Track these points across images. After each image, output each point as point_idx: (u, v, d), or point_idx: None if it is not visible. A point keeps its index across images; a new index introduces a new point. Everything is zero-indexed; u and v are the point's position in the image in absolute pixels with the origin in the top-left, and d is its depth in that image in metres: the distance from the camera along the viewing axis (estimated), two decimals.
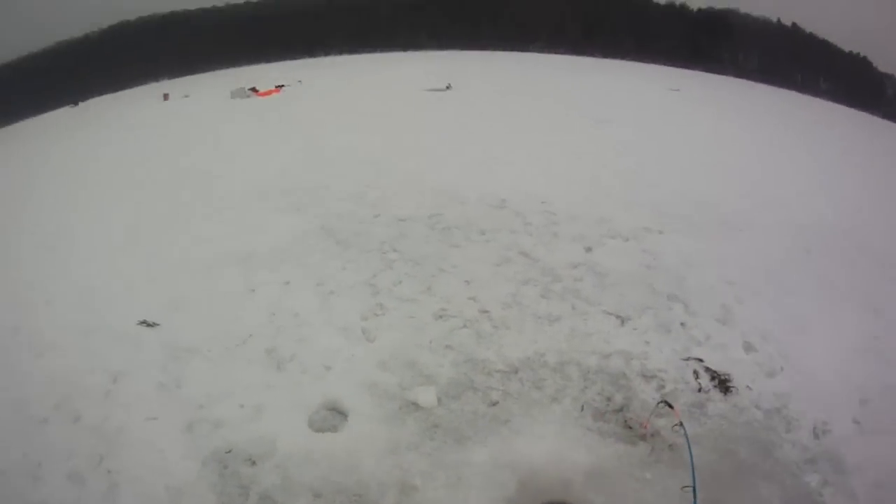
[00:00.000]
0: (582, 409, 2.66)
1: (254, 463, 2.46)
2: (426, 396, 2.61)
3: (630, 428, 2.57)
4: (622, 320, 3.22)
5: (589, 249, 3.94)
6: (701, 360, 2.95)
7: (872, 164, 7.29)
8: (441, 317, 3.06)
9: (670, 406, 2.25)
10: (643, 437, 2.50)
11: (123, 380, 2.90)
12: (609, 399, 2.73)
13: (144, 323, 3.33)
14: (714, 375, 2.86)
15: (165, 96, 19.23)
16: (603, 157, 6.31)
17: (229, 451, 2.50)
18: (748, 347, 3.10)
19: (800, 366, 2.98)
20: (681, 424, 1.93)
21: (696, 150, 7.31)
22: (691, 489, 1.69)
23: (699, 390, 2.76)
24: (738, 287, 3.59)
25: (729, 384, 2.78)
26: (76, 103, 26.29)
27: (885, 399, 2.86)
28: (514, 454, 2.42)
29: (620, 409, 2.67)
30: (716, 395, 2.77)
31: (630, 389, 2.78)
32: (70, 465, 2.47)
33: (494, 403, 2.65)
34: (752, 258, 3.99)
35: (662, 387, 2.79)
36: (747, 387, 2.83)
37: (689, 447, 1.82)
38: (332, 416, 2.67)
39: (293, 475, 2.40)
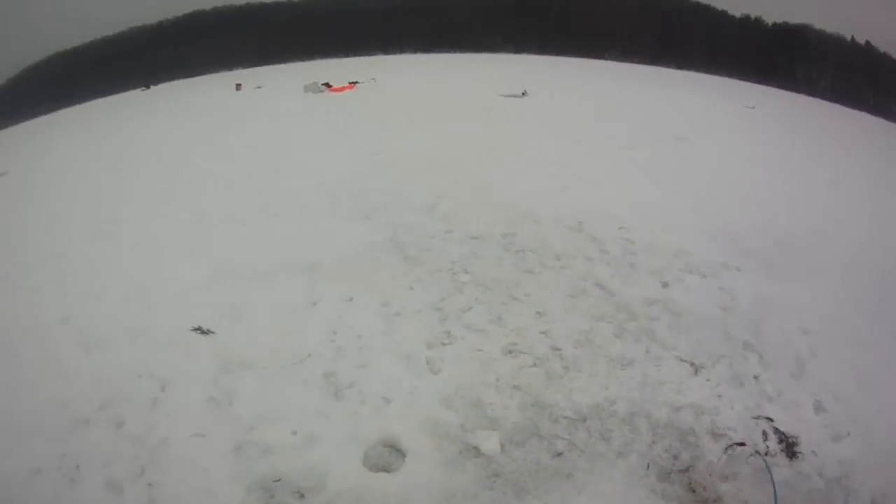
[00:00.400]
0: (648, 467, 2.43)
1: (302, 496, 2.34)
2: (489, 443, 2.42)
3: (693, 491, 2.35)
4: (696, 369, 2.96)
5: (666, 285, 3.67)
6: (771, 420, 2.69)
7: None
8: (510, 352, 2.85)
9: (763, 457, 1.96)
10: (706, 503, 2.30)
11: (172, 388, 2.86)
12: (675, 457, 2.49)
13: (199, 330, 3.28)
14: (782, 438, 2.62)
15: (238, 86, 19.53)
16: (681, 180, 5.90)
17: (277, 480, 2.39)
18: (818, 407, 2.82)
19: (867, 431, 2.72)
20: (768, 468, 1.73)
21: (776, 176, 6.75)
22: None
23: (766, 453, 2.52)
24: (813, 337, 3.29)
25: (796, 448, 2.56)
26: (148, 86, 27.45)
27: None
28: None
29: (686, 470, 2.44)
30: (781, 459, 2.53)
31: (698, 448, 2.54)
32: (109, 472, 2.44)
33: (559, 454, 2.42)
34: (827, 303, 3.68)
35: (731, 447, 2.54)
36: (812, 452, 2.57)
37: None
38: (389, 453, 2.52)
39: None
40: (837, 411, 2.82)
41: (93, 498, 2.33)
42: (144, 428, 2.63)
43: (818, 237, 4.82)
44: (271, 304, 3.54)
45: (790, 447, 2.57)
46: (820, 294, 3.82)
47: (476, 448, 2.42)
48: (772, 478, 1.83)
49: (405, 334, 3.02)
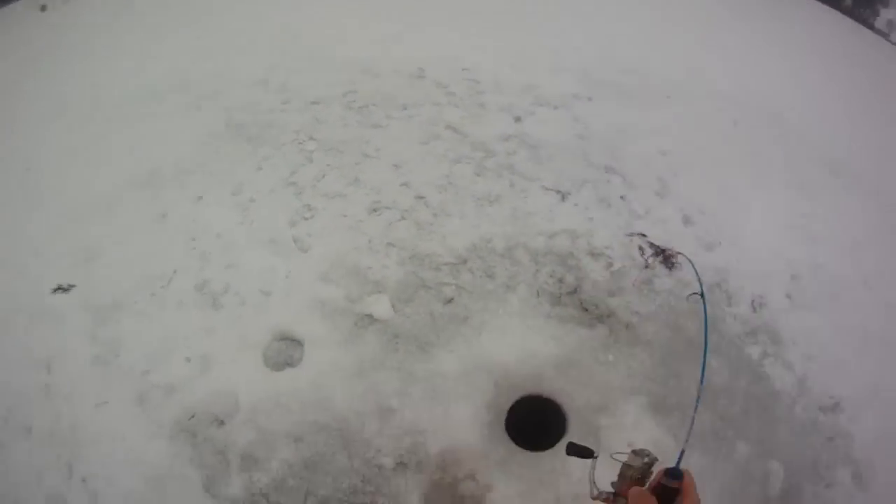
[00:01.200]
0: (538, 294, 2.20)
1: (222, 423, 1.97)
2: (380, 307, 2.03)
3: (586, 310, 2.19)
4: (563, 196, 2.63)
5: (518, 119, 3.15)
6: (644, 235, 2.50)
7: (802, 45, 6.06)
8: (375, 210, 2.34)
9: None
10: (599, 320, 2.16)
11: (57, 366, 2.21)
12: (561, 281, 2.27)
13: (60, 289, 2.51)
14: (658, 251, 2.46)
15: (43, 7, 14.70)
16: (522, 17, 4.98)
17: (192, 417, 1.99)
18: (687, 221, 2.67)
19: (736, 240, 2.67)
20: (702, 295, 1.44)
21: (622, 8, 5.88)
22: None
23: (646, 267, 2.38)
24: (672, 158, 3.03)
25: (673, 259, 2.44)
26: None
27: (814, 276, 2.66)
28: (483, 356, 2.00)
29: (574, 291, 2.24)
30: (661, 270, 2.39)
31: (580, 269, 2.32)
32: (44, 487, 1.95)
33: (450, 300, 2.12)
34: (682, 128, 3.38)
35: (611, 264, 2.37)
36: (689, 260, 2.39)
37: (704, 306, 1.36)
38: (287, 347, 2.09)
39: (267, 425, 1.94)
40: (706, 223, 2.69)
41: None
42: (51, 423, 2.07)
43: (666, 67, 4.35)
44: (121, 231, 2.73)
45: (667, 259, 2.43)
46: (674, 120, 3.50)
47: (369, 315, 2.03)
48: (702, 293, 1.54)
49: (265, 219, 2.42)
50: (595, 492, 1.02)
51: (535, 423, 1.95)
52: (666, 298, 2.24)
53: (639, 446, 1.05)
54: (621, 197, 2.65)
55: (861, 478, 2.21)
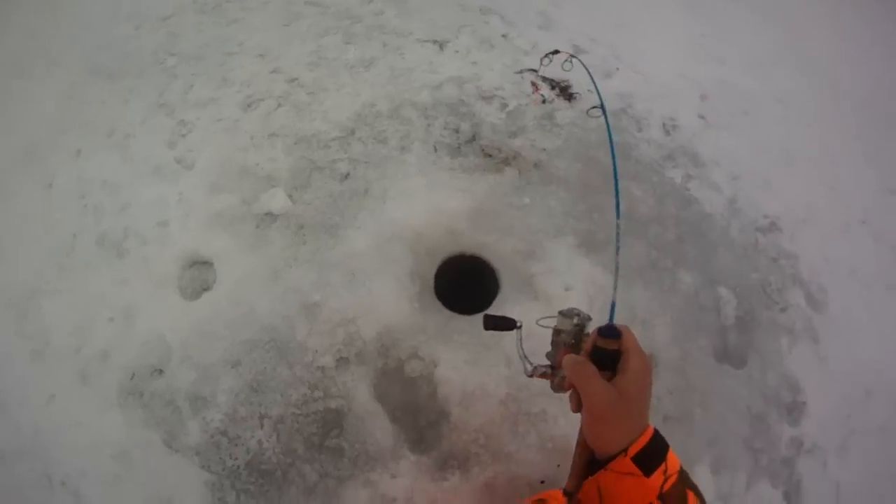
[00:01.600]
0: (435, 149, 1.87)
1: (161, 371, 1.70)
2: (277, 201, 1.69)
3: (489, 156, 1.87)
4: (440, 45, 2.22)
5: None
6: (535, 71, 2.13)
7: None
8: (249, 105, 1.94)
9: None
10: (506, 163, 1.85)
11: (0, 377, 1.87)
12: (457, 131, 1.93)
13: None
14: (553, 84, 2.11)
15: None
16: None
17: (133, 377, 1.71)
18: (578, 50, 2.29)
19: (634, 65, 2.30)
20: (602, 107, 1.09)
21: None
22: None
23: (543, 102, 2.03)
24: None
25: (570, 90, 2.10)
26: None
27: (722, 94, 2.33)
28: (392, 225, 1.67)
29: (473, 138, 1.91)
30: (560, 103, 2.04)
31: (474, 115, 1.97)
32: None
33: (347, 176, 1.77)
34: None
35: (506, 104, 2.01)
36: (588, 90, 2.10)
37: (602, 103, 1.05)
38: (198, 272, 1.77)
39: (202, 359, 1.67)
40: (599, 51, 2.29)
41: None
42: (15, 438, 1.76)
43: None
44: (15, 216, 2.27)
45: (564, 91, 2.08)
46: None
47: (268, 213, 1.66)
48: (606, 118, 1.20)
49: (144, 150, 2.04)
50: (529, 368, 0.80)
51: (465, 283, 1.68)
52: (571, 131, 1.92)
53: (567, 306, 0.80)
54: (503, 36, 2.25)
55: (815, 300, 2.02)
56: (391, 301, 1.56)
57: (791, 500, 1.79)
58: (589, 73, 1.17)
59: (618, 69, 2.19)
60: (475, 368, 1.54)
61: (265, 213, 1.68)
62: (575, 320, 0.78)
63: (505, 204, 1.70)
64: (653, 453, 0.63)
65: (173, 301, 1.77)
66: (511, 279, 1.64)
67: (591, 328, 0.76)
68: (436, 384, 1.54)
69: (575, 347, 0.75)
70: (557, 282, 1.61)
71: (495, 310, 1.60)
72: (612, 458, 0.63)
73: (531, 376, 0.79)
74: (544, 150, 1.83)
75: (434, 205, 1.68)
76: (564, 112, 1.95)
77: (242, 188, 1.75)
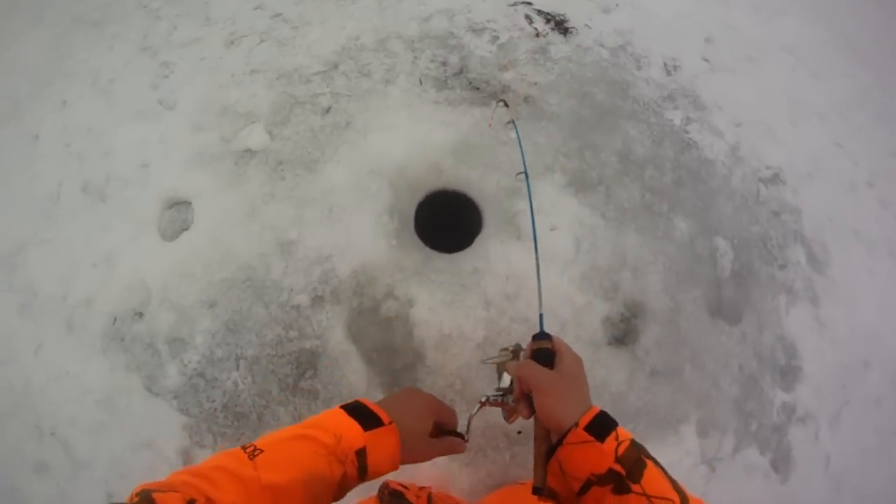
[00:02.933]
0: (420, 82, 1.80)
1: (141, 315, 1.70)
2: (255, 137, 1.67)
3: (477, 89, 1.80)
4: None
5: None
6: (530, 3, 2.03)
7: None
8: (232, 42, 1.92)
9: (506, 105, 1.55)
10: (493, 96, 1.78)
11: None
12: (445, 64, 1.86)
13: None
14: (548, 17, 2.01)
15: None
16: None
17: (115, 321, 1.72)
18: None
19: (635, 1, 2.18)
20: (513, 122, 1.13)
21: None
22: (524, 175, 1.12)
23: (537, 35, 1.95)
24: None
25: (566, 24, 2.00)
26: None
27: (728, 37, 2.21)
28: (372, 159, 1.64)
29: (461, 72, 1.84)
30: (555, 37, 1.95)
31: (463, 48, 1.89)
32: (27, 460, 1.73)
33: (328, 110, 1.73)
34: None
35: (497, 37, 1.92)
36: (585, 25, 2.00)
37: (520, 141, 1.04)
38: (178, 212, 1.77)
39: (180, 301, 1.66)
40: None
41: (39, 491, 1.72)
42: (8, 393, 1.79)
43: None
44: (2, 173, 2.26)
45: (560, 24, 1.99)
46: None
47: (247, 150, 1.65)
48: (517, 130, 1.19)
49: (128, 94, 2.03)
50: (482, 399, 0.91)
51: (446, 220, 1.65)
52: (565, 66, 1.84)
53: (513, 342, 0.97)
54: None
55: (816, 260, 1.95)
56: (368, 238, 1.53)
57: (779, 469, 1.74)
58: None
59: (617, 4, 2.11)
60: (452, 310, 1.51)
61: (244, 150, 1.66)
62: (511, 347, 0.93)
63: (491, 139, 1.65)
64: (603, 423, 0.71)
65: (153, 243, 1.77)
66: (494, 217, 1.60)
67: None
68: (412, 325, 1.51)
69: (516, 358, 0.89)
70: (543, 220, 1.56)
71: (474, 249, 1.58)
72: (566, 434, 0.71)
73: (482, 406, 0.88)
74: (535, 84, 1.77)
75: (417, 138, 1.64)
76: (559, 46, 1.88)
77: (222, 126, 1.72)
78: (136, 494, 0.59)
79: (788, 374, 1.84)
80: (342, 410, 0.78)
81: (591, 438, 0.69)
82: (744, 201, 1.93)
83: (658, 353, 1.69)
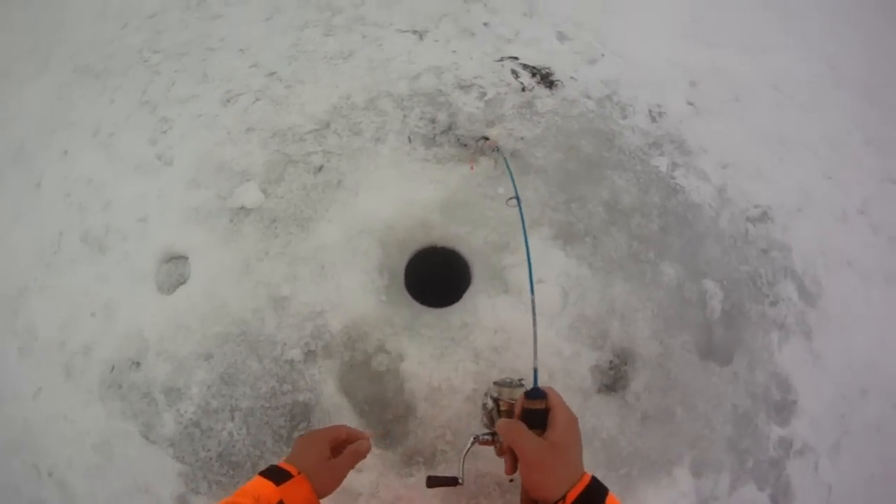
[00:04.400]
0: (409, 140, 1.87)
1: (138, 364, 1.76)
2: (250, 195, 1.74)
3: (465, 146, 1.85)
4: (420, 35, 2.21)
5: None
6: (516, 58, 2.11)
7: None
8: (228, 101, 2.01)
9: (486, 139, 1.67)
10: (482, 152, 1.83)
11: None
12: (433, 121, 1.92)
13: None
14: (534, 71, 2.08)
15: None
16: None
17: (113, 370, 1.78)
18: (562, 37, 2.23)
19: (620, 50, 2.24)
20: (498, 149, 1.21)
21: None
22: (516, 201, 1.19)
23: (523, 90, 2.00)
24: None
25: (552, 78, 2.07)
26: None
27: (714, 80, 2.27)
28: (362, 217, 1.69)
29: (449, 129, 1.90)
30: (541, 91, 2.01)
31: (451, 105, 1.95)
32: (24, 498, 1.80)
33: (320, 168, 1.80)
34: None
35: (484, 93, 1.98)
36: (571, 77, 2.07)
37: (508, 166, 1.11)
38: (174, 266, 1.84)
39: (176, 352, 1.72)
40: (583, 37, 2.24)
41: None
42: (7, 432, 1.87)
43: None
44: (4, 218, 2.37)
45: (545, 78, 2.05)
46: None
47: (242, 208, 1.72)
48: (506, 160, 1.26)
49: (127, 148, 2.11)
50: (470, 441, 0.94)
51: (436, 276, 1.71)
52: (551, 119, 1.90)
53: (501, 376, 1.00)
54: (484, 24, 2.23)
55: (808, 293, 1.97)
56: (359, 294, 1.59)
57: (779, 503, 1.78)
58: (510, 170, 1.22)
59: (603, 55, 2.17)
60: (442, 363, 1.56)
61: (238, 208, 1.74)
62: (504, 388, 0.93)
63: (479, 195, 1.70)
64: (591, 498, 0.70)
65: (151, 296, 1.84)
66: (482, 271, 1.65)
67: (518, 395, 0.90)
68: (402, 379, 1.56)
69: (508, 414, 0.88)
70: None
71: (463, 304, 1.64)
72: None
73: (473, 444, 0.91)
74: (522, 138, 1.82)
75: (406, 196, 1.70)
76: (545, 100, 1.94)
77: (218, 183, 1.80)
78: None
79: (783, 409, 1.85)
80: (259, 475, 0.90)
81: None
82: (732, 242, 1.97)
83: (649, 397, 1.72)
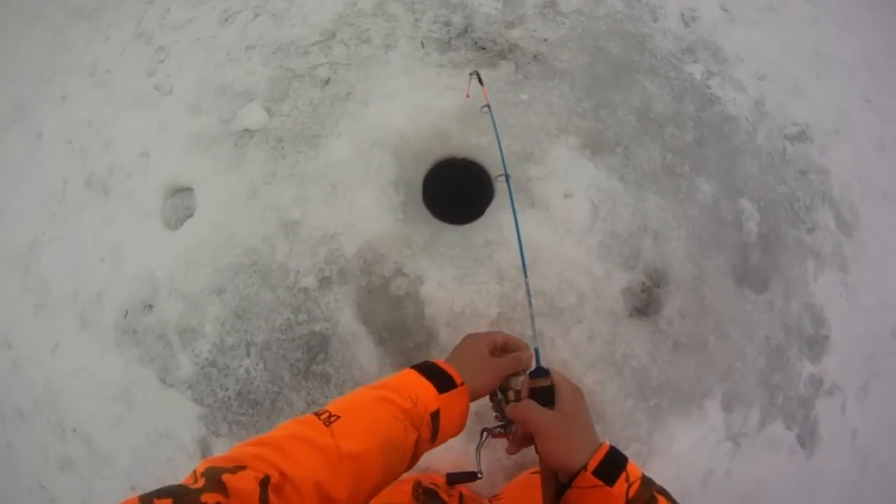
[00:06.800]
0: (422, 45, 1.69)
1: (151, 306, 1.67)
2: (253, 115, 1.61)
3: (483, 49, 1.67)
4: None
5: None
6: None
7: None
8: (226, 20, 1.85)
9: (480, 81, 1.31)
10: (501, 56, 1.65)
11: (12, 337, 1.91)
12: (448, 24, 1.73)
13: None
14: None
15: None
16: None
17: (126, 315, 1.70)
18: None
19: None
20: (488, 106, 1.16)
21: None
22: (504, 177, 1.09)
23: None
24: None
25: None
26: None
27: None
28: (374, 130, 1.55)
29: (465, 31, 1.71)
30: None
31: (467, 6, 1.75)
32: (52, 458, 1.76)
33: (327, 81, 1.65)
34: None
35: None
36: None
37: (496, 131, 0.97)
38: (181, 199, 1.72)
39: (187, 289, 1.63)
40: None
41: (64, 485, 1.76)
42: (31, 392, 1.81)
43: None
44: (10, 176, 2.29)
45: None
46: None
47: (246, 130, 1.58)
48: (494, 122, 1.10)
49: (124, 83, 1.99)
50: (484, 435, 0.88)
51: (456, 190, 1.57)
52: (576, 20, 1.71)
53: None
54: None
55: (844, 222, 1.83)
56: (374, 213, 1.46)
57: (805, 445, 1.66)
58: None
59: None
60: (464, 285, 1.44)
61: (242, 130, 1.61)
62: (510, 381, 0.88)
63: (500, 101, 1.55)
64: (611, 464, 0.68)
65: (159, 233, 1.74)
66: (506, 184, 1.52)
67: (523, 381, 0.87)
68: (422, 303, 1.45)
69: (516, 401, 0.85)
70: (557, 187, 1.48)
71: (486, 220, 1.50)
72: (575, 476, 0.68)
73: (485, 438, 0.87)
74: (545, 40, 1.66)
75: (420, 105, 1.55)
76: (569, 0, 1.76)
77: (220, 107, 1.66)
78: (202, 474, 0.54)
79: (816, 344, 1.73)
80: (415, 371, 0.77)
81: (601, 483, 0.67)
82: (770, 160, 1.82)
83: (681, 324, 1.60)
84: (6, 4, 2.92)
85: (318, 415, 0.67)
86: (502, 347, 0.89)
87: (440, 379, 0.76)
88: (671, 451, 1.57)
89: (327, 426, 0.65)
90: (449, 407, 0.74)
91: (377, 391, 0.72)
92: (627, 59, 1.69)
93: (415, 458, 0.73)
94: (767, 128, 1.85)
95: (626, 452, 0.72)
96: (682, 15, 1.85)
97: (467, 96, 1.28)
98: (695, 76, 1.76)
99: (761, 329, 1.67)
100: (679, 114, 1.68)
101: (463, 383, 0.77)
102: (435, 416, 0.72)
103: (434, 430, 0.73)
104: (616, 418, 1.52)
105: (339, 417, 0.66)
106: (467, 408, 0.79)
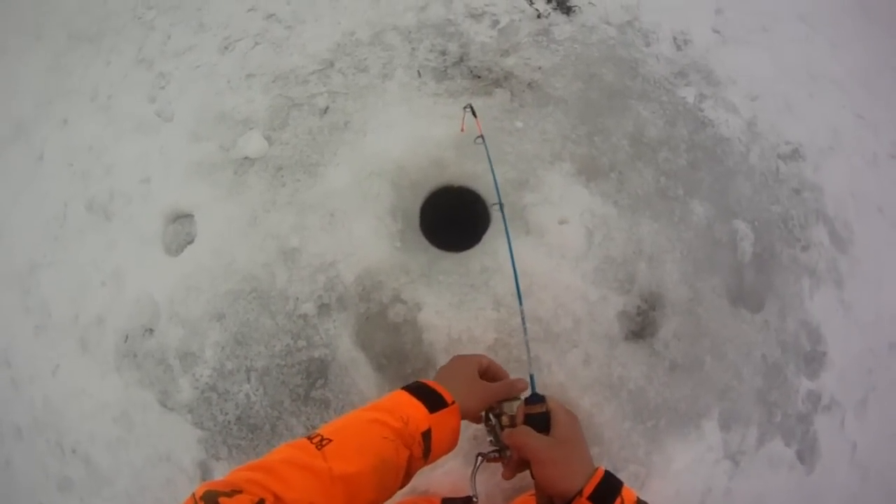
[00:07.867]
0: (419, 74, 1.72)
1: (151, 331, 1.68)
2: (253, 144, 1.62)
3: (479, 77, 1.70)
4: None
5: None
6: None
7: None
8: (226, 47, 1.87)
9: (474, 114, 1.38)
10: (497, 84, 1.69)
11: (11, 355, 1.92)
12: (444, 53, 1.76)
13: None
14: None
15: None
16: None
17: (127, 339, 1.71)
18: None
19: None
20: (482, 138, 1.20)
21: None
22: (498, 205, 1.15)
23: (538, 16, 1.82)
24: None
25: (569, 3, 1.88)
26: None
27: (739, 7, 2.06)
28: (372, 159, 1.57)
29: (461, 60, 1.74)
30: (558, 17, 1.83)
31: (462, 35, 1.78)
32: (51, 476, 1.76)
33: (326, 110, 1.67)
34: None
35: (497, 21, 1.80)
36: (589, 2, 1.87)
37: (490, 161, 0.98)
38: (181, 225, 1.74)
39: (188, 315, 1.64)
40: None
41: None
42: (30, 410, 1.83)
43: None
44: (9, 195, 2.29)
45: (562, 4, 1.86)
46: None
47: (246, 158, 1.60)
48: (487, 150, 1.12)
49: (126, 109, 2.01)
50: (479, 459, 0.88)
51: (453, 218, 1.59)
52: (570, 47, 1.74)
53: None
54: None
55: (839, 238, 1.84)
56: (372, 241, 1.47)
57: (804, 460, 1.66)
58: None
59: None
60: (461, 312, 1.45)
61: (242, 158, 1.62)
62: (504, 406, 0.88)
63: (495, 129, 1.57)
64: (607, 489, 0.70)
65: (159, 258, 1.75)
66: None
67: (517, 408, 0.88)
68: (420, 330, 1.46)
69: (511, 426, 0.86)
70: (552, 213, 1.49)
71: (482, 246, 1.52)
72: (570, 502, 0.69)
73: (480, 462, 0.87)
74: (540, 68, 1.68)
75: (417, 134, 1.57)
76: (562, 27, 1.78)
77: (220, 135, 1.68)
78: (201, 497, 0.56)
79: (813, 360, 1.74)
80: (406, 392, 0.79)
81: None
82: (763, 180, 1.83)
83: (677, 345, 1.61)
84: (5, 20, 2.95)
85: (310, 438, 0.69)
86: (485, 372, 0.92)
87: (431, 398, 0.78)
88: (669, 471, 1.57)
89: (319, 449, 0.67)
90: (440, 426, 0.76)
91: (369, 413, 0.75)
92: (621, 85, 1.71)
93: (408, 475, 0.75)
94: (760, 148, 1.87)
95: (625, 474, 0.73)
96: (675, 39, 1.87)
97: (462, 130, 1.30)
98: (687, 99, 1.78)
99: (758, 348, 1.68)
100: (672, 137, 1.70)
101: (454, 402, 0.81)
102: (426, 434, 0.74)
103: (426, 449, 0.75)
104: (614, 440, 1.52)
105: (330, 441, 0.68)
106: (458, 426, 0.80)
